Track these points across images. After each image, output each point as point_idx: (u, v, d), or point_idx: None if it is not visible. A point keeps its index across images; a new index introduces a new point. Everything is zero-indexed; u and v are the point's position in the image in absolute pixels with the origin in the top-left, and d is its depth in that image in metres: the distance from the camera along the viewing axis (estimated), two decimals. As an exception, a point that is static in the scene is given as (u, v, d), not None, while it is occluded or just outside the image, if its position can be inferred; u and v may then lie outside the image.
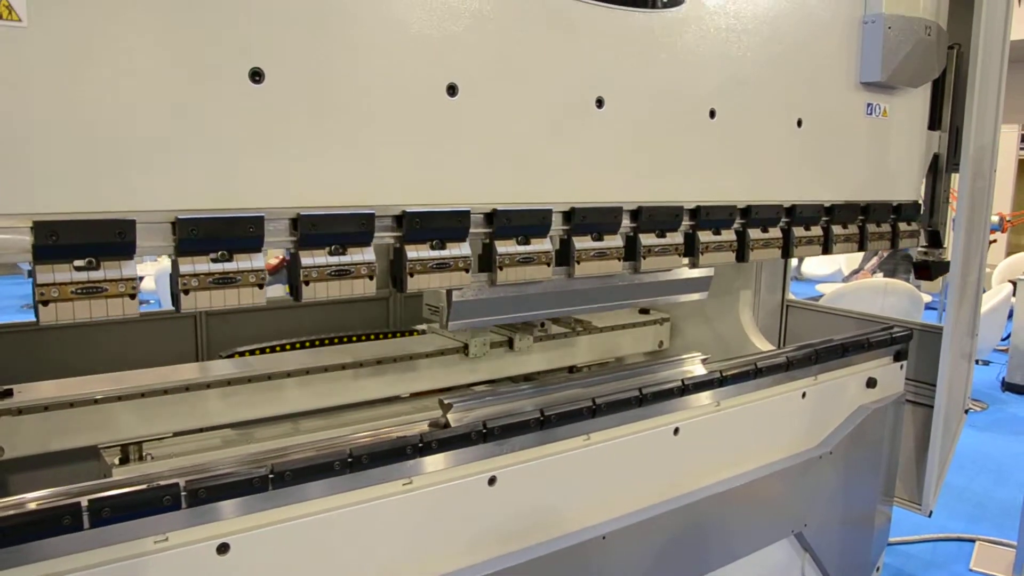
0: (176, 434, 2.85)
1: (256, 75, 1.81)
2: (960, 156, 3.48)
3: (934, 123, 3.65)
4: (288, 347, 3.35)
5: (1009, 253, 13.79)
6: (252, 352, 3.23)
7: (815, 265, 13.82)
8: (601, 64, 2.43)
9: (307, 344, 3.39)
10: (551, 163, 2.37)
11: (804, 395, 3.29)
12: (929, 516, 3.96)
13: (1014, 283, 8.85)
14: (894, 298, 7.84)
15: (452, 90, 2.14)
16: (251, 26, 1.79)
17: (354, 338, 3.50)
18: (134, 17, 1.62)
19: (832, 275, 13.27)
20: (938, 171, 3.70)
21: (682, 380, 2.82)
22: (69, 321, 1.64)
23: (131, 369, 2.90)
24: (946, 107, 3.63)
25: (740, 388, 3.05)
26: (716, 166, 2.79)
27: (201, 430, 2.94)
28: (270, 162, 1.86)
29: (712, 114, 2.72)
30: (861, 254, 10.98)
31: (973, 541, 5.29)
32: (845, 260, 12.78)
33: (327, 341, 3.43)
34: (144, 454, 2.76)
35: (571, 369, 3.95)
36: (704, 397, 2.93)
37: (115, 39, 1.60)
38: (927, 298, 9.08)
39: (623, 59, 2.48)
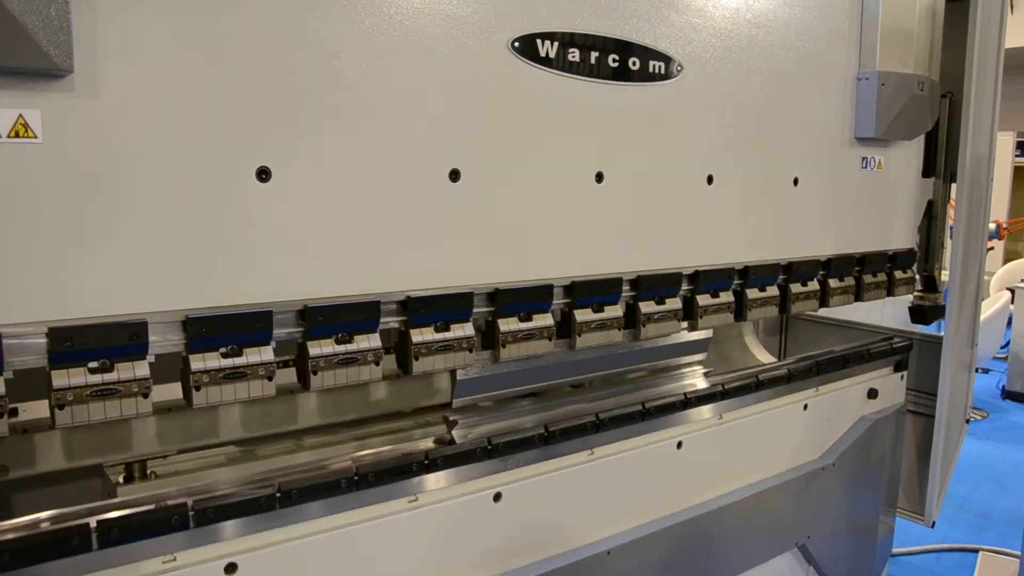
0: (180, 451, 2.87)
1: (263, 173, 1.85)
2: (958, 159, 3.52)
3: (928, 171, 3.69)
4: (291, 363, 3.33)
5: (1007, 260, 13.82)
6: None
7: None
8: (599, 139, 2.47)
9: None
10: (552, 239, 2.41)
11: (806, 407, 3.34)
12: (932, 527, 3.99)
13: (1012, 290, 8.88)
14: (894, 307, 7.86)
15: (455, 175, 2.18)
16: (256, 126, 1.83)
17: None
18: (142, 123, 1.67)
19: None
20: (933, 217, 3.74)
21: (684, 394, 2.87)
22: (84, 423, 1.68)
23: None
24: (940, 155, 3.67)
25: (742, 401, 3.10)
26: (715, 230, 2.83)
27: (205, 447, 2.96)
28: (277, 257, 1.91)
29: (710, 180, 2.76)
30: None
31: (976, 551, 5.31)
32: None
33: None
34: (148, 472, 2.77)
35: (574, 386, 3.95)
36: (706, 410, 2.97)
37: (125, 148, 1.65)
38: None
39: (621, 133, 2.52)
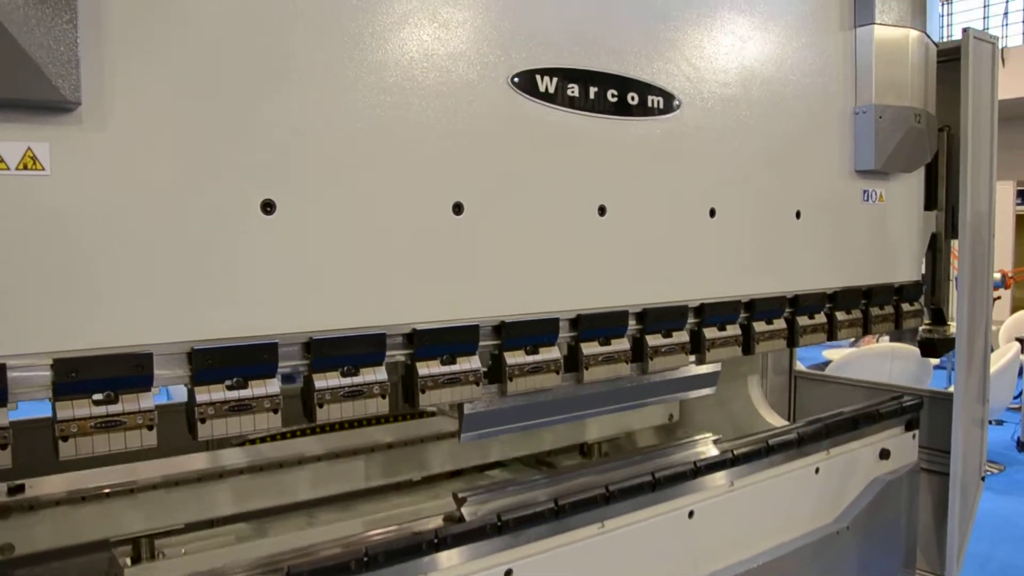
0: (189, 526, 2.83)
1: (268, 206, 1.87)
2: (959, 215, 3.52)
3: (930, 203, 3.71)
4: (298, 433, 3.33)
5: (1015, 309, 13.71)
6: (263, 439, 3.22)
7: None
8: (601, 173, 2.50)
9: (317, 430, 3.37)
10: (556, 272, 2.42)
11: (817, 470, 3.28)
12: (953, 588, 3.89)
13: (1022, 341, 8.80)
14: (902, 363, 7.80)
15: (458, 208, 2.19)
16: (261, 159, 1.86)
17: (364, 422, 3.48)
18: (148, 157, 1.70)
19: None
20: (937, 250, 3.74)
21: (694, 462, 2.82)
22: (88, 455, 1.67)
23: (143, 457, 2.90)
24: (941, 187, 3.70)
25: (753, 467, 3.04)
26: (719, 263, 2.83)
27: (214, 522, 2.93)
28: (282, 289, 1.91)
29: (712, 213, 2.78)
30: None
31: (1000, 612, 5.18)
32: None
33: (336, 426, 3.42)
34: (156, 552, 2.74)
35: (582, 447, 3.93)
36: (717, 478, 2.92)
37: (131, 181, 1.68)
38: (935, 360, 9.03)
39: (622, 167, 2.54)
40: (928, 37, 3.36)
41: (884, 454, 3.60)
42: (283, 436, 3.28)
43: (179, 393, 2.20)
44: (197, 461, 2.96)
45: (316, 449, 3.11)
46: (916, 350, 8.40)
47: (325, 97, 1.95)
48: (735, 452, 2.94)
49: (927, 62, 3.39)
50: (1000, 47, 4.30)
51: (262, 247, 1.87)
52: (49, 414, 1.65)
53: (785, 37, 3.01)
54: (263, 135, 1.85)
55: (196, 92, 1.75)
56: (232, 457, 2.99)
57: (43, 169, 1.55)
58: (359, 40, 2.00)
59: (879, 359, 8.05)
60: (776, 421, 3.88)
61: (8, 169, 1.50)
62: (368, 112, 2.02)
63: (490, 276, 2.29)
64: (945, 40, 3.64)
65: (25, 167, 1.52)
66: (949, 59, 3.50)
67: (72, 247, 1.61)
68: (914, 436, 3.80)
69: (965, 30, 3.41)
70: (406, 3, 2.08)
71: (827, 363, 8.56)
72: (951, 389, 3.68)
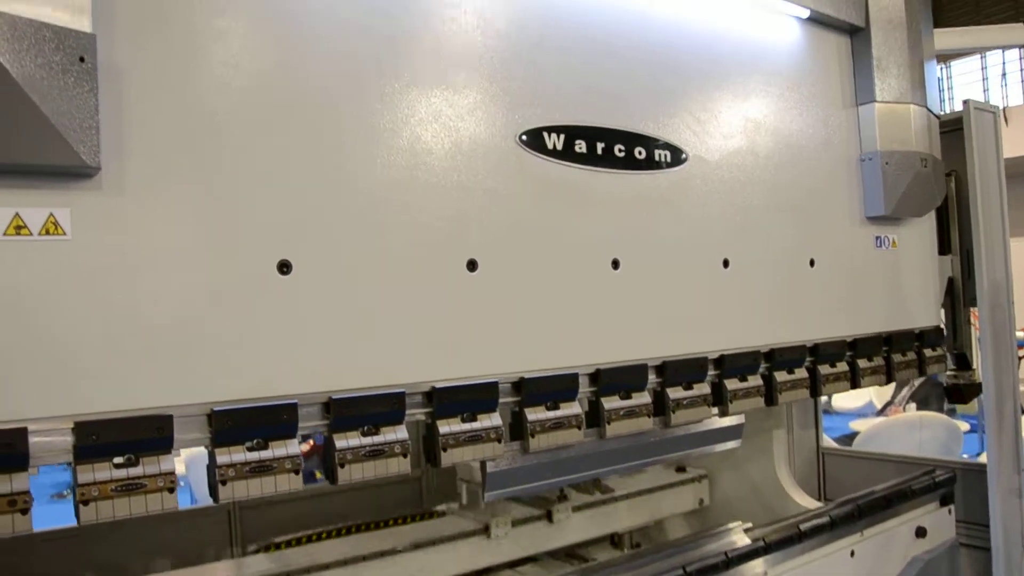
0: None
1: (284, 267, 1.89)
2: (975, 284, 3.50)
3: (944, 248, 3.70)
4: (323, 536, 3.27)
5: (1041, 368, 13.37)
6: (288, 544, 3.16)
7: (845, 398, 13.45)
8: (613, 227, 2.52)
9: (342, 532, 3.31)
10: (573, 327, 2.41)
11: (852, 553, 3.17)
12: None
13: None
14: (930, 431, 7.66)
15: (472, 265, 2.21)
16: (278, 219, 1.89)
17: (382, 523, 3.41)
18: (165, 220, 1.73)
19: (864, 407, 12.89)
20: (955, 294, 3.72)
21: (726, 553, 2.73)
22: (109, 519, 1.65)
23: (165, 561, 2.86)
24: (953, 232, 3.69)
25: (786, 554, 2.93)
26: (735, 313, 2.83)
27: None
28: (300, 349, 1.92)
29: (726, 263, 2.79)
30: (890, 387, 10.78)
31: None
32: (875, 391, 12.50)
33: (355, 528, 3.35)
34: None
35: (613, 537, 3.84)
36: (750, 568, 2.82)
37: (149, 245, 1.70)
38: (964, 426, 8.78)
39: (634, 220, 2.56)
40: (929, 110, 3.41)
41: (920, 532, 3.47)
42: (308, 540, 3.23)
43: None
44: (221, 571, 2.92)
45: (341, 552, 3.04)
46: (944, 418, 8.27)
47: (337, 159, 1.99)
48: (767, 540, 2.85)
49: (930, 133, 3.43)
50: (1001, 107, 4.34)
51: (279, 307, 1.88)
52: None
53: (789, 102, 3.07)
54: (278, 197, 1.89)
55: (212, 156, 1.79)
56: (257, 565, 2.94)
57: (64, 234, 1.58)
58: (369, 103, 2.05)
59: (907, 429, 7.91)
60: (807, 502, 3.78)
61: (31, 235, 1.54)
62: (380, 172, 2.06)
63: (508, 332, 2.29)
64: (948, 113, 3.68)
65: (47, 232, 1.55)
66: (952, 129, 3.55)
67: (92, 310, 1.62)
68: (950, 511, 3.66)
69: (966, 102, 3.48)
70: (415, 66, 2.14)
71: (854, 434, 8.41)
72: (984, 458, 3.59)
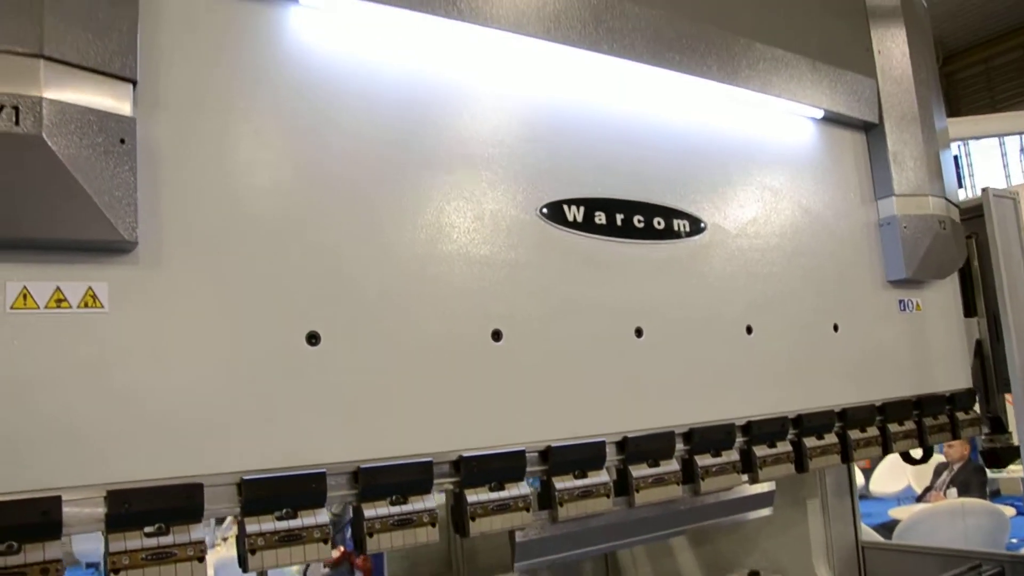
0: None
1: (313, 338, 1.93)
2: (1004, 346, 3.47)
3: (970, 310, 3.69)
4: None
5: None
6: None
7: (883, 483, 13.12)
8: (635, 296, 2.55)
9: None
10: (599, 395, 2.43)
11: None
12: None
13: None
14: (974, 519, 7.43)
15: (497, 335, 2.24)
16: (306, 292, 1.94)
17: None
18: (198, 294, 1.79)
19: (902, 492, 12.52)
20: (984, 356, 3.69)
21: None
22: (139, 587, 1.66)
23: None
24: (978, 294, 3.69)
25: None
26: (761, 380, 2.82)
27: None
28: (329, 419, 1.95)
29: (749, 330, 2.80)
30: (931, 469, 10.50)
31: None
32: (914, 475, 12.14)
33: None
34: None
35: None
36: None
37: (182, 317, 1.76)
38: (1010, 511, 8.47)
39: (655, 289, 2.60)
40: (948, 200, 3.45)
41: (969, 631, 3.37)
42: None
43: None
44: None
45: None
46: (988, 504, 8.04)
47: (364, 234, 2.06)
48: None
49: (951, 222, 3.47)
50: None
51: (308, 377, 1.92)
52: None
53: (801, 156, 3.13)
54: (306, 271, 1.95)
55: (243, 232, 1.86)
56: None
57: (102, 307, 1.64)
58: (395, 181, 2.13)
59: (950, 516, 7.68)
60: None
61: (71, 307, 1.60)
62: (406, 246, 2.12)
63: (534, 401, 2.30)
64: (967, 199, 3.74)
65: (86, 305, 1.62)
66: (972, 216, 3.60)
67: (127, 381, 1.67)
68: (1000, 607, 3.56)
69: (984, 190, 3.54)
70: (439, 148, 2.23)
71: (894, 522, 8.18)
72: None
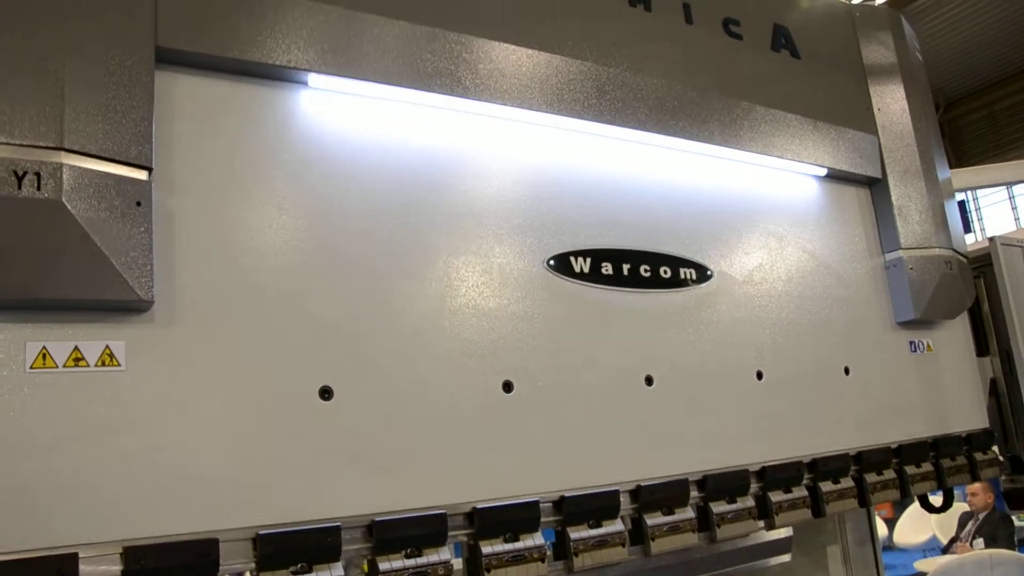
0: None
1: (326, 393, 1.96)
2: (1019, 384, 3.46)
3: (982, 350, 3.68)
4: None
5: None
6: None
7: (908, 534, 12.80)
8: (645, 345, 2.57)
9: None
10: (611, 444, 2.43)
11: None
12: None
13: None
14: (1003, 570, 7.25)
15: (507, 387, 2.26)
16: (318, 348, 1.98)
17: None
18: (213, 351, 1.83)
19: (927, 543, 12.22)
20: (999, 395, 3.66)
21: None
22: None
23: None
24: (989, 333, 3.68)
25: None
26: (774, 425, 2.82)
27: None
28: (342, 472, 1.97)
29: (760, 375, 2.81)
30: (955, 519, 10.29)
31: None
32: (938, 526, 11.91)
33: None
34: None
35: None
36: None
37: (197, 374, 1.81)
38: None
39: (664, 337, 2.62)
40: (955, 251, 3.47)
41: None
42: None
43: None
44: None
45: None
46: (1017, 555, 7.83)
47: (374, 289, 2.10)
48: None
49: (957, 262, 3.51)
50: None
51: (321, 432, 1.95)
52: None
53: (805, 203, 3.17)
54: (318, 327, 1.99)
55: (256, 290, 1.91)
56: None
57: (119, 365, 1.68)
58: (404, 239, 2.18)
59: (978, 569, 7.46)
60: None
61: (88, 366, 1.64)
62: (416, 301, 2.16)
63: (547, 451, 2.31)
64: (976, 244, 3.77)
65: (103, 364, 1.66)
66: (982, 265, 3.63)
67: (143, 438, 1.70)
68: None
69: (991, 239, 3.58)
70: (446, 205, 2.28)
71: (920, 575, 7.98)
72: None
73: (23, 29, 1.67)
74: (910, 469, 3.16)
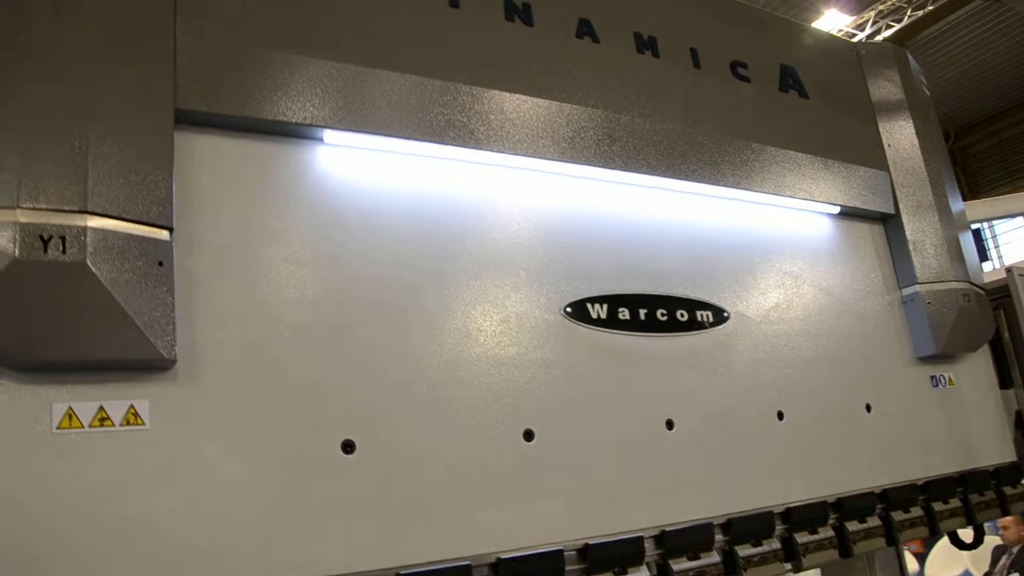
0: None
1: (348, 447, 1.97)
2: None
3: (1005, 382, 3.65)
4: None
5: None
6: None
7: (940, 568, 12.54)
8: (664, 389, 2.57)
9: None
10: (633, 490, 2.42)
11: None
12: None
13: None
14: None
15: (528, 435, 2.26)
16: (340, 402, 1.99)
17: None
18: (235, 408, 1.85)
19: (960, 577, 11.94)
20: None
21: None
22: None
23: None
24: (1012, 364, 3.65)
25: None
26: (797, 465, 2.80)
27: None
28: (365, 526, 1.97)
29: (780, 416, 2.79)
30: (988, 553, 10.10)
31: None
32: (971, 560, 11.67)
33: None
34: None
35: None
36: None
37: (220, 431, 1.82)
38: None
39: (683, 380, 2.62)
40: (972, 284, 3.46)
41: None
42: None
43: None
44: None
45: None
46: None
47: (393, 341, 2.12)
48: None
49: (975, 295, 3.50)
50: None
51: (344, 486, 1.95)
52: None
53: (819, 241, 3.18)
54: (340, 381, 2.01)
55: (277, 345, 1.93)
56: None
57: (143, 424, 1.69)
58: (422, 288, 2.20)
59: None
60: None
61: (114, 425, 1.66)
62: (434, 351, 2.18)
63: (569, 499, 2.30)
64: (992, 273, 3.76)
65: (128, 423, 1.67)
66: (1001, 296, 3.61)
67: (168, 495, 1.71)
68: None
69: (1008, 269, 3.57)
70: (462, 252, 2.31)
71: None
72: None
73: (47, 96, 1.72)
74: (938, 506, 3.11)
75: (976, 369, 3.53)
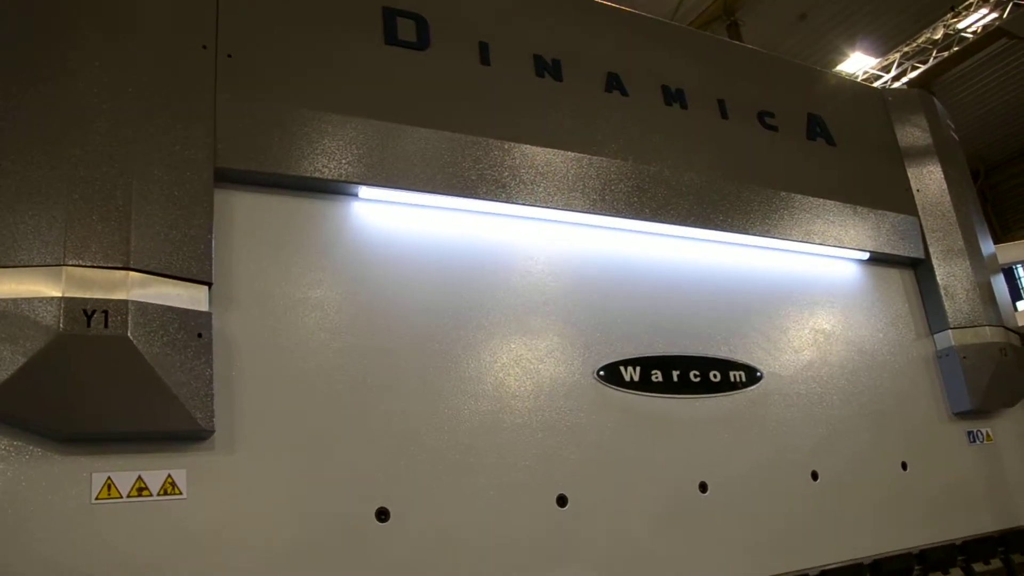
0: None
1: (382, 514, 1.95)
2: None
3: (1046, 437, 3.57)
4: None
5: None
6: None
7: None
8: (697, 451, 2.54)
9: None
10: (667, 554, 2.39)
11: None
12: None
13: None
14: None
15: (562, 501, 2.24)
16: (375, 470, 1.99)
17: None
18: (272, 476, 1.85)
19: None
20: (1066, 485, 3.53)
21: None
22: None
23: None
24: (1052, 419, 3.57)
25: None
26: (831, 526, 2.75)
27: None
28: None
29: (815, 476, 2.75)
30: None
31: None
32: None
33: None
34: None
35: None
36: None
37: (257, 500, 1.82)
38: None
39: (717, 442, 2.59)
40: (1006, 328, 3.42)
41: None
42: None
43: None
44: None
45: None
46: None
47: (426, 408, 2.12)
48: None
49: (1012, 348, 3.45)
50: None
51: (377, 554, 1.94)
52: None
53: (850, 298, 3.15)
54: (375, 449, 2.01)
55: (314, 413, 1.94)
56: None
57: (181, 493, 1.69)
58: (454, 354, 2.20)
59: None
60: None
61: (151, 495, 1.66)
62: (468, 417, 2.17)
63: (602, 564, 2.27)
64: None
65: (165, 492, 1.68)
66: None
67: (205, 566, 1.70)
68: None
69: None
70: (494, 315, 2.31)
71: None
72: None
73: (91, 158, 1.74)
74: (978, 567, 3.04)
75: (1015, 424, 3.47)
